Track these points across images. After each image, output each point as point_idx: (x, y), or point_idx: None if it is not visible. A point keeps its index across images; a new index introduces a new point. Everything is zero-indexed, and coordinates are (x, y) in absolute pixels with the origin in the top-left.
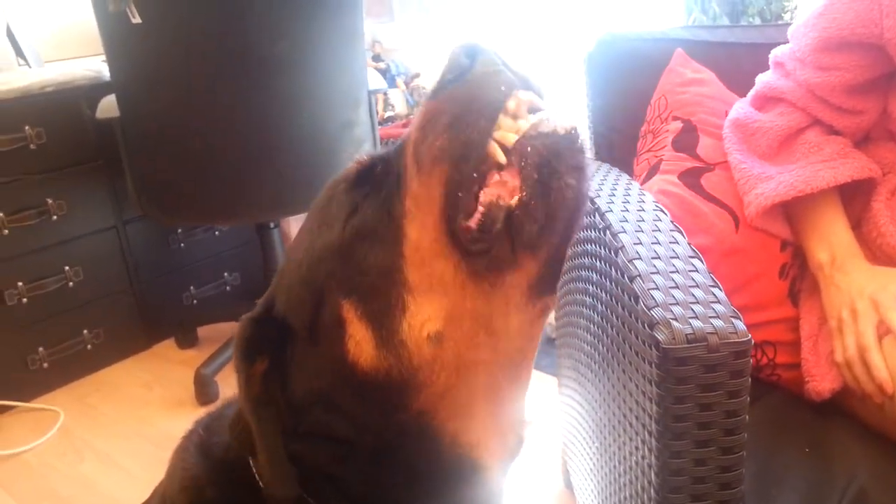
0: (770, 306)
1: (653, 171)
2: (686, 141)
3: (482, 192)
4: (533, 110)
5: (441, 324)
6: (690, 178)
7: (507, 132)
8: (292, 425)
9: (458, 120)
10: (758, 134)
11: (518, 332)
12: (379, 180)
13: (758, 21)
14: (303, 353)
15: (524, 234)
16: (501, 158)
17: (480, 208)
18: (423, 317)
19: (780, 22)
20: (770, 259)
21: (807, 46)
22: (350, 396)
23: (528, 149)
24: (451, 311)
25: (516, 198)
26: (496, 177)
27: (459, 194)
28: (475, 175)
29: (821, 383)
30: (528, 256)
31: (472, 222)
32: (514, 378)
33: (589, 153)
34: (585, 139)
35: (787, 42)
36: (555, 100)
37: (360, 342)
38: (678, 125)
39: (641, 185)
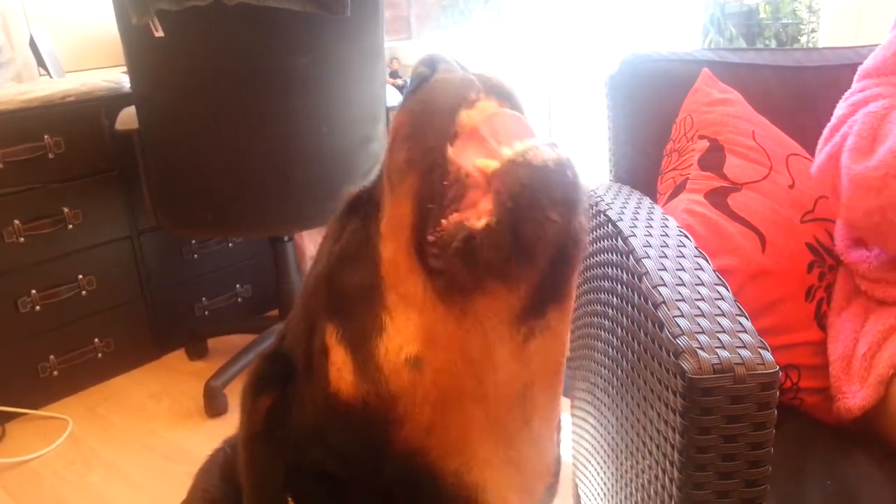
0: (796, 329)
1: (678, 189)
2: (713, 160)
3: (452, 213)
4: (522, 137)
5: (419, 347)
6: (717, 198)
7: (492, 160)
8: (295, 464)
9: (417, 127)
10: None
11: (505, 362)
12: (363, 207)
13: (774, 43)
14: (301, 388)
15: (482, 262)
16: (477, 178)
17: (442, 225)
18: (400, 339)
19: (814, 47)
20: (797, 281)
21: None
22: (338, 431)
23: (509, 175)
24: (427, 335)
25: (483, 221)
26: (474, 200)
27: (428, 208)
28: (445, 185)
29: (852, 400)
30: (497, 285)
31: (432, 237)
32: (522, 413)
33: (583, 187)
34: (580, 173)
35: (813, 66)
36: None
37: (341, 368)
38: (705, 144)
39: (666, 203)
